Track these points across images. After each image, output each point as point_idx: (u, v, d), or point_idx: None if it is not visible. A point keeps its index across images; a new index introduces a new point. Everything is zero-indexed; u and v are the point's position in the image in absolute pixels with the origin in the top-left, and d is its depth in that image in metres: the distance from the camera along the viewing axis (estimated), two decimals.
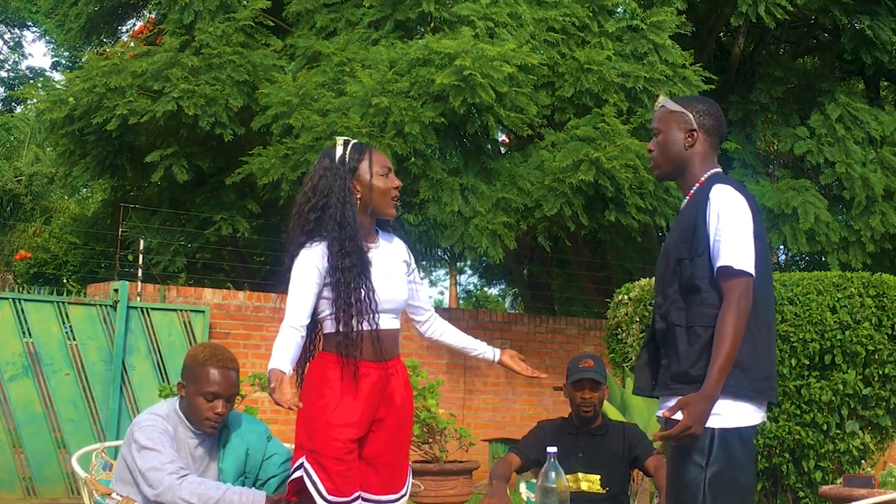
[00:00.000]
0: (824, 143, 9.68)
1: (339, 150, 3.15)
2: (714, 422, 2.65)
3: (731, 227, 2.75)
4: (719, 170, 2.97)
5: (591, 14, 8.76)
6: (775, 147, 11.23)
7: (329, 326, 3.09)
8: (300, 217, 3.13)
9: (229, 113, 8.88)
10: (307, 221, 3.10)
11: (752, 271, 2.72)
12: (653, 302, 3.06)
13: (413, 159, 8.11)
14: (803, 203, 9.27)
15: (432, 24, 9.01)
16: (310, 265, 3.05)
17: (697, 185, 2.92)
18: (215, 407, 3.29)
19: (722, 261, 2.72)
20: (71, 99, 9.19)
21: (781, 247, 10.01)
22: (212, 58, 8.94)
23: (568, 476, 4.06)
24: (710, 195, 2.81)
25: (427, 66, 8.05)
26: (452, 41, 7.97)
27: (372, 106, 7.90)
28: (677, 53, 8.75)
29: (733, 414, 2.68)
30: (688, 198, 2.93)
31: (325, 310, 3.09)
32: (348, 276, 3.02)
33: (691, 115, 2.95)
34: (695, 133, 2.94)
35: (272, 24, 9.69)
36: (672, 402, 2.75)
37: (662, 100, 3.03)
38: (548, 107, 8.71)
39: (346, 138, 3.20)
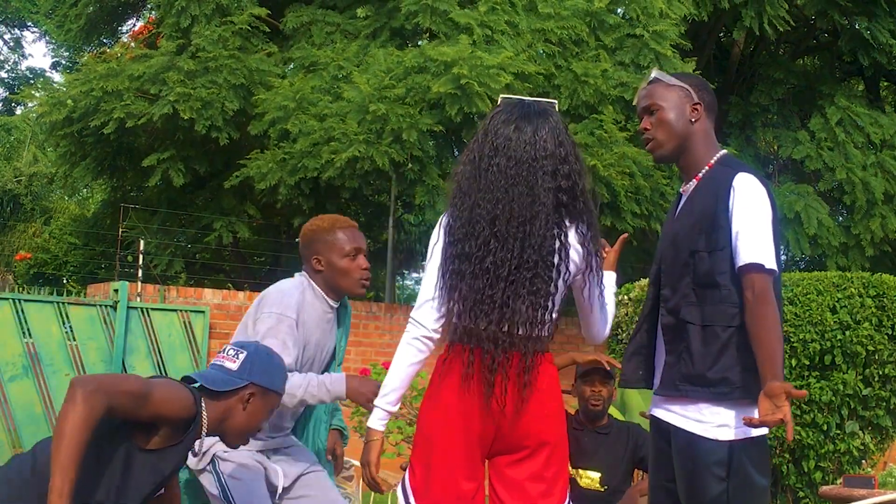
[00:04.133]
0: (824, 147, 9.69)
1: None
2: (728, 434, 2.56)
3: (760, 222, 2.56)
4: (726, 151, 2.75)
5: (588, 29, 8.69)
6: (775, 149, 11.24)
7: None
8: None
9: (225, 116, 8.86)
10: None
11: (776, 268, 2.58)
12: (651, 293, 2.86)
13: (410, 165, 8.14)
14: (806, 207, 9.29)
15: (428, 34, 9.02)
16: None
17: (707, 168, 2.70)
18: (361, 263, 3.28)
19: (752, 257, 2.53)
20: (69, 101, 9.19)
21: (783, 248, 10.04)
22: (208, 61, 8.93)
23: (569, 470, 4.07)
24: (735, 184, 2.59)
25: (423, 72, 8.05)
26: (449, 48, 7.96)
27: (369, 112, 7.90)
28: (678, 62, 8.70)
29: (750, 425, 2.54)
30: (696, 181, 2.71)
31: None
32: None
33: (691, 89, 2.72)
34: (699, 107, 2.70)
35: (268, 29, 9.67)
36: (676, 406, 2.65)
37: (656, 73, 2.77)
38: None
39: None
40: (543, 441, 2.56)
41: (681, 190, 2.81)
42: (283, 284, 3.29)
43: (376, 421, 2.63)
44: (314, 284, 3.29)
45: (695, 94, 2.71)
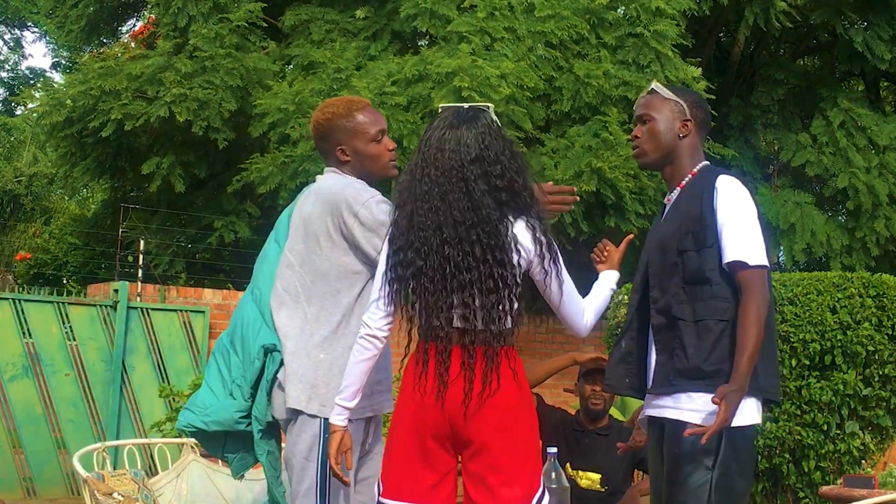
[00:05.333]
0: (826, 152, 9.67)
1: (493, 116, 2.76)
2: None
3: (743, 219, 2.67)
4: (708, 162, 2.89)
5: (589, 27, 8.63)
6: (775, 148, 11.24)
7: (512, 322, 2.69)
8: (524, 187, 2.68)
9: (222, 117, 8.81)
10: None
11: (767, 262, 2.65)
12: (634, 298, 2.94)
13: None
14: (801, 218, 9.31)
15: (428, 38, 8.98)
16: None
17: (690, 175, 2.83)
18: (388, 144, 3.11)
19: (735, 255, 2.63)
20: (69, 101, 9.16)
21: (776, 252, 10.07)
22: (205, 60, 8.88)
23: (570, 470, 4.07)
24: (717, 184, 2.72)
25: (424, 80, 8.01)
26: (450, 59, 7.92)
27: None
28: (678, 62, 8.66)
29: (739, 413, 2.58)
30: (679, 188, 2.84)
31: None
32: None
33: (685, 105, 2.85)
34: (689, 123, 2.84)
35: (266, 24, 9.61)
36: (668, 399, 2.68)
37: (655, 85, 2.92)
38: (543, 118, 8.66)
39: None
40: (486, 435, 2.59)
41: (665, 200, 2.92)
42: (328, 182, 3.02)
43: (335, 416, 2.74)
44: (347, 176, 3.07)
45: (688, 111, 2.84)
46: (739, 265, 2.63)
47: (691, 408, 2.64)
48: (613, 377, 2.91)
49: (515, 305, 2.64)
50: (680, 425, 2.64)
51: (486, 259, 2.59)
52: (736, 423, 2.58)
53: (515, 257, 2.62)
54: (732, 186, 2.72)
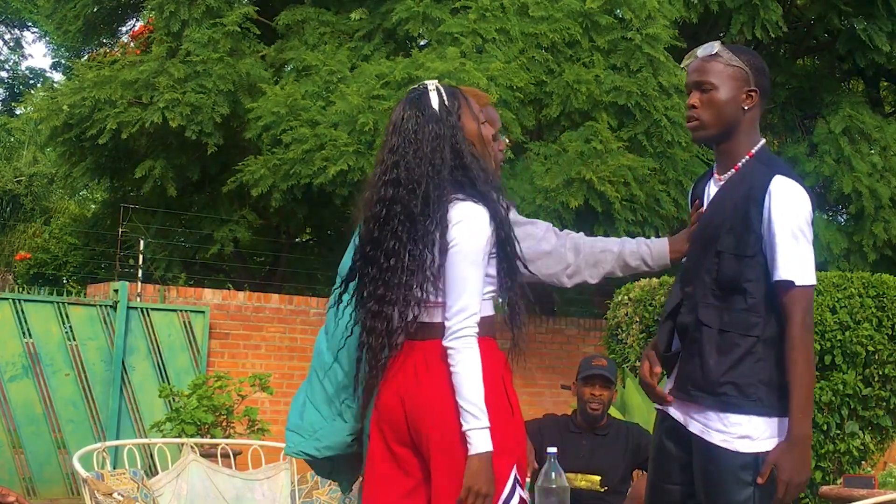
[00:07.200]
0: (826, 161, 9.63)
1: (434, 97, 2.62)
2: (757, 447, 2.42)
3: (795, 232, 2.42)
4: (764, 142, 2.59)
5: (582, 30, 8.54)
6: (775, 148, 11.23)
7: (487, 308, 2.48)
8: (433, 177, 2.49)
9: (215, 122, 8.78)
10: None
11: (814, 280, 2.44)
12: (670, 289, 2.74)
13: None
14: None
15: (421, 39, 8.96)
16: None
17: (748, 157, 2.54)
18: (500, 144, 3.00)
19: (783, 274, 2.40)
20: (66, 107, 9.15)
21: None
22: (197, 65, 8.85)
23: (568, 473, 4.06)
24: (772, 188, 2.43)
25: (413, 84, 7.98)
26: (440, 62, 7.90)
27: (358, 123, 7.87)
28: (672, 66, 8.63)
29: (772, 433, 2.44)
30: (734, 170, 2.55)
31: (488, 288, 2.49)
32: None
33: (750, 73, 2.54)
34: (754, 94, 2.54)
35: (259, 31, 9.59)
36: (692, 410, 2.52)
37: (719, 48, 2.57)
38: (534, 124, 8.62)
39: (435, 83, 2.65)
40: (426, 435, 2.42)
41: (716, 174, 2.65)
42: None
43: None
44: None
45: (752, 79, 2.54)
46: (787, 284, 2.41)
47: (719, 429, 2.47)
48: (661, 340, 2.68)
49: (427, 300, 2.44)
50: (713, 447, 2.47)
51: (399, 250, 2.44)
52: (767, 447, 2.44)
53: (440, 248, 2.42)
54: (788, 192, 2.44)
